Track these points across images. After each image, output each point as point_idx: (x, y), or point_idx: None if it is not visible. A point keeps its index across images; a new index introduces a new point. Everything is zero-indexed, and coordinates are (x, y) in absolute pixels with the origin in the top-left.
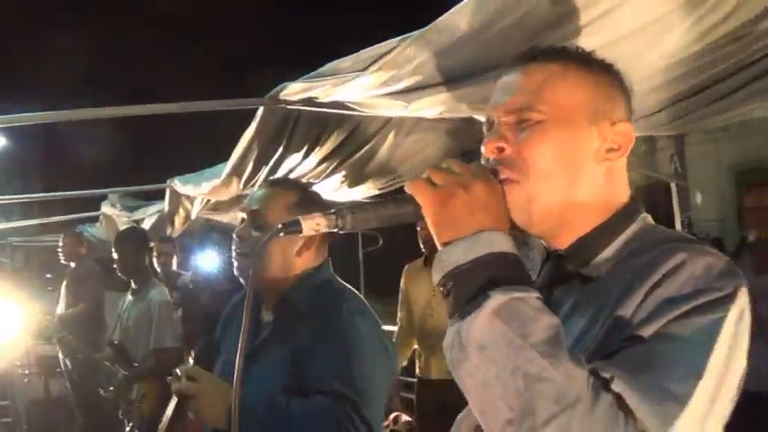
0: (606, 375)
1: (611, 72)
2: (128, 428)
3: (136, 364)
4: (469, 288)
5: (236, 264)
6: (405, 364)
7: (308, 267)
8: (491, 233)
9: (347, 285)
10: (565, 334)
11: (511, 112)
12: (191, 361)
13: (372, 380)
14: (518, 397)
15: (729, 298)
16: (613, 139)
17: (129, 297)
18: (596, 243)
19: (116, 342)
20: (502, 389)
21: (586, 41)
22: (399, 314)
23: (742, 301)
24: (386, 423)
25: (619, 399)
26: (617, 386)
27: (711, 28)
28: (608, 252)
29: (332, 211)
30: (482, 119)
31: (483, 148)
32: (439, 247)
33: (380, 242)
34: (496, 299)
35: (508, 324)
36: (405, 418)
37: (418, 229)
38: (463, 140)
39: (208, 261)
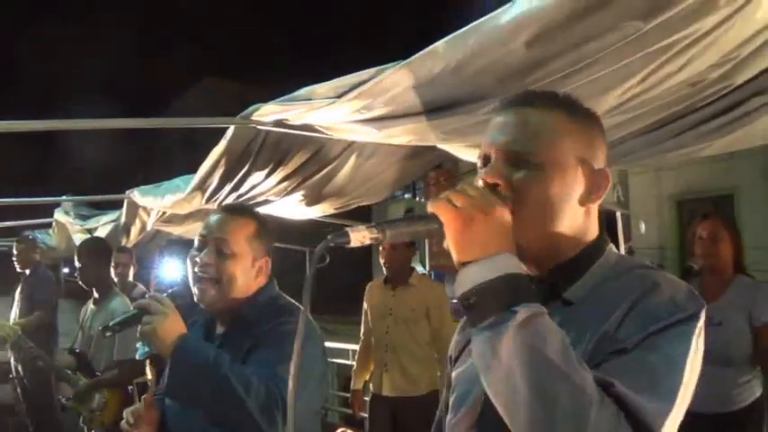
0: (606, 381)
1: (595, 121)
2: None
3: (98, 373)
4: (495, 304)
5: (201, 287)
6: (367, 378)
7: (258, 288)
8: (508, 256)
9: (291, 300)
10: None
11: (507, 152)
12: (147, 371)
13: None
14: (541, 398)
15: (694, 317)
16: (594, 183)
17: (92, 306)
18: (574, 271)
19: (78, 351)
20: (527, 391)
21: (557, 84)
22: (363, 329)
23: (702, 321)
24: None
25: (618, 400)
26: (618, 390)
27: (669, 75)
28: (585, 279)
29: (373, 225)
30: (445, 148)
31: (480, 181)
32: (458, 265)
33: (327, 260)
34: (521, 314)
35: (531, 336)
36: None
37: (380, 249)
38: (419, 165)
39: (171, 272)
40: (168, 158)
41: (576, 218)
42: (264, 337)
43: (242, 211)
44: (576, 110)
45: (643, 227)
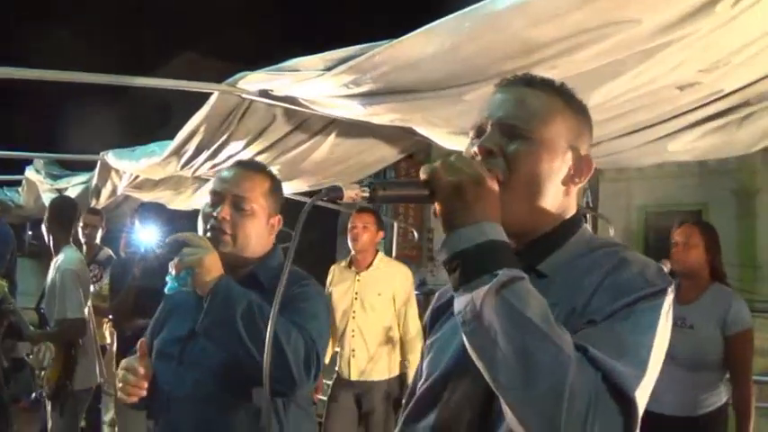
0: (581, 345)
1: (585, 112)
2: (34, 394)
3: (48, 328)
4: (479, 267)
5: (214, 236)
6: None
7: (267, 250)
8: (494, 224)
9: (296, 267)
10: None
11: (504, 126)
12: (106, 334)
13: (322, 336)
14: (521, 355)
15: (663, 292)
16: (578, 168)
17: (52, 265)
18: (548, 245)
19: (42, 310)
20: (507, 348)
21: (546, 72)
22: None
23: (670, 297)
24: None
25: (594, 363)
26: (592, 354)
27: (659, 76)
28: (558, 253)
29: (366, 183)
30: (426, 132)
31: (475, 149)
32: (445, 230)
33: (297, 240)
34: (503, 276)
35: (512, 297)
36: None
37: (350, 227)
38: (397, 150)
39: (144, 236)
40: (142, 131)
41: (557, 196)
42: (285, 304)
43: (257, 167)
44: (571, 98)
45: (612, 231)
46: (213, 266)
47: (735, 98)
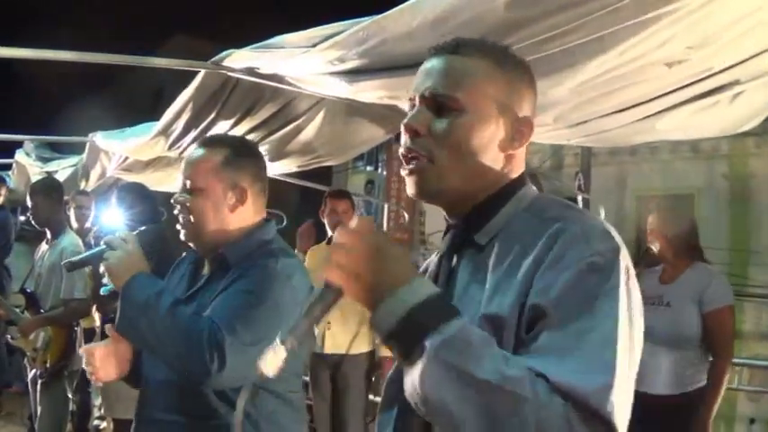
0: (538, 370)
1: (522, 69)
2: (30, 375)
3: (42, 311)
4: (409, 342)
5: (180, 225)
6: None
7: (248, 225)
8: (403, 287)
9: (288, 249)
10: (467, 301)
11: (430, 98)
12: (96, 317)
13: (249, 321)
14: (479, 416)
15: (613, 262)
16: (517, 131)
17: (45, 246)
18: (486, 212)
19: (29, 290)
20: (466, 413)
21: (534, 49)
22: None
23: (624, 261)
24: None
25: (559, 390)
26: (553, 381)
27: (647, 52)
28: (496, 220)
29: (280, 342)
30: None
31: (402, 128)
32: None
33: (284, 222)
34: (434, 341)
35: (450, 358)
36: None
37: (328, 211)
38: (386, 130)
39: (112, 218)
40: (135, 117)
41: (496, 164)
42: (239, 276)
43: (213, 141)
44: (504, 57)
45: (603, 212)
46: (124, 269)
47: (725, 76)
